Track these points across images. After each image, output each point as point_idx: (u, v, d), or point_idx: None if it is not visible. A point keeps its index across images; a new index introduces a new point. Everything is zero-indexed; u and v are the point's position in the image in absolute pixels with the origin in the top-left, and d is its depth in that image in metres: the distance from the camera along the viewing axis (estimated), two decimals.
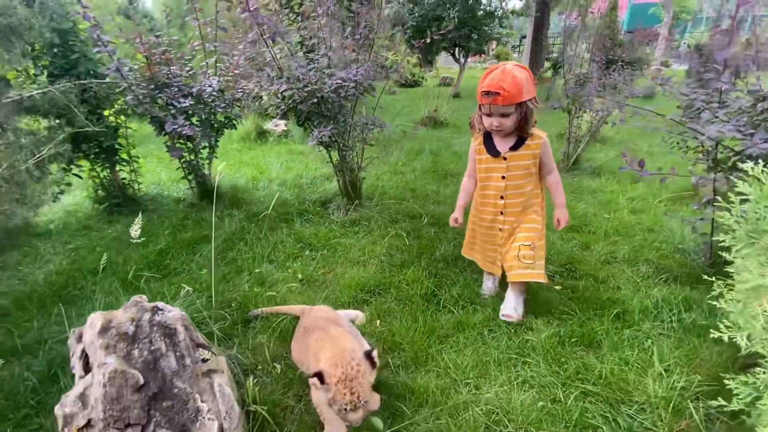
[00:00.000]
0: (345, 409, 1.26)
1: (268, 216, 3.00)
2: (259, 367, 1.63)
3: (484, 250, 2.05)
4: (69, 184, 2.84)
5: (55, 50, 2.66)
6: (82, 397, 1.11)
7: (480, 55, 21.65)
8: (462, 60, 10.16)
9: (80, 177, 2.97)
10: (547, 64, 10.55)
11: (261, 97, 5.82)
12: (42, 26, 2.53)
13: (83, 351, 1.24)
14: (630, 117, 2.09)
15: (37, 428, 1.37)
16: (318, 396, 1.34)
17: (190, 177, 3.27)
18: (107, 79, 2.65)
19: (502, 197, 1.88)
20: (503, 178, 1.85)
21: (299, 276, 2.28)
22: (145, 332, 1.22)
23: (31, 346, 1.74)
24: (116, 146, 3.05)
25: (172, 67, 2.80)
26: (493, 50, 22.81)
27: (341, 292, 2.11)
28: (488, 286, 2.13)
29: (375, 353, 1.31)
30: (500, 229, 1.93)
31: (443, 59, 17.46)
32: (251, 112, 5.71)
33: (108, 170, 3.19)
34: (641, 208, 3.18)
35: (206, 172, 3.33)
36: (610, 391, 1.48)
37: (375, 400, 1.33)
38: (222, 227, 2.85)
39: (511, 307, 1.88)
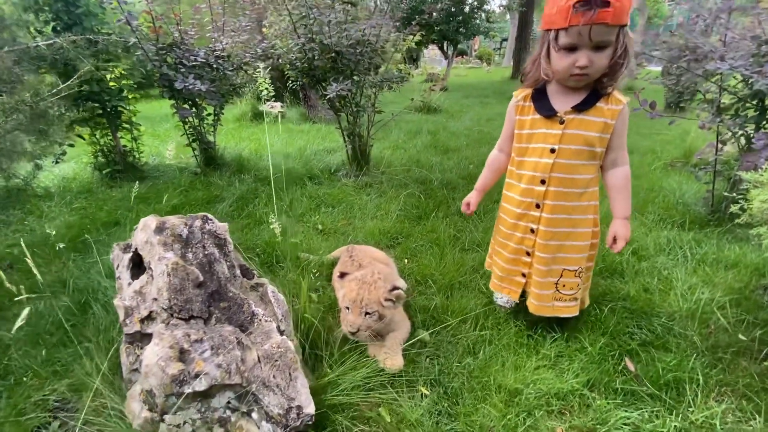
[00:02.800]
0: (346, 308, 1.29)
1: (278, 179, 3.00)
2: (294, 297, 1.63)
3: (501, 257, 1.42)
4: (72, 145, 2.75)
5: (59, 5, 2.58)
6: (140, 294, 1.09)
7: (462, 56, 22.09)
8: (450, 54, 10.34)
9: (83, 138, 2.88)
10: None
11: (255, 80, 5.80)
12: None
13: (131, 259, 1.22)
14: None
15: (74, 347, 1.33)
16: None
17: (194, 144, 3.22)
18: (112, 34, 2.59)
19: (543, 182, 1.25)
20: (552, 152, 1.22)
21: (319, 227, 2.29)
22: (197, 238, 1.21)
23: (52, 285, 1.69)
24: (119, 109, 2.97)
25: (181, 27, 2.77)
26: (475, 50, 23.30)
27: (365, 239, 2.13)
28: (503, 297, 1.53)
29: (400, 291, 1.31)
30: (532, 231, 1.32)
31: (427, 58, 17.74)
32: (246, 94, 5.65)
33: (109, 136, 3.11)
34: (637, 174, 3.31)
35: (211, 139, 3.29)
36: (638, 306, 1.55)
37: (400, 331, 1.35)
38: (232, 189, 2.82)
39: None
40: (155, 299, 1.04)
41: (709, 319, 1.48)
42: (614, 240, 1.26)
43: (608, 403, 1.12)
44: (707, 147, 2.38)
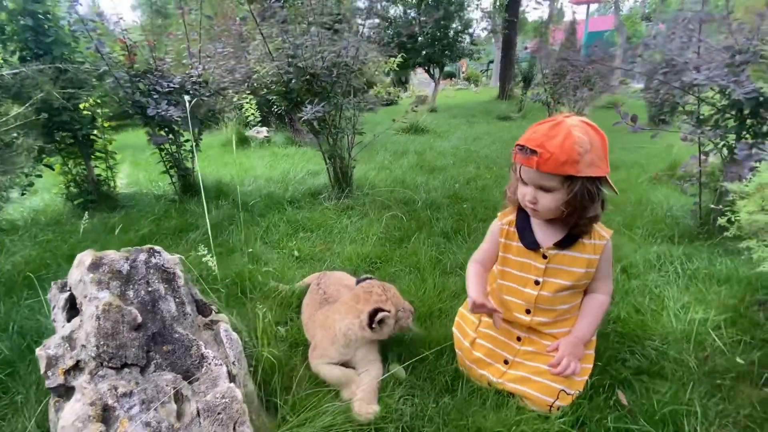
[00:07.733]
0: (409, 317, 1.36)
1: (257, 204, 2.90)
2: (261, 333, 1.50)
3: (483, 335, 1.29)
4: (39, 176, 2.65)
5: (28, 34, 2.54)
6: (69, 340, 0.97)
7: (451, 79, 22.50)
8: (437, 76, 10.51)
9: (52, 168, 2.78)
10: (518, 78, 11.01)
11: (242, 106, 5.80)
12: (15, 8, 2.41)
13: (67, 299, 1.10)
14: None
15: (10, 398, 1.19)
16: (325, 371, 1.27)
17: (171, 171, 3.14)
18: (86, 62, 2.54)
19: (528, 311, 1.21)
20: (537, 284, 1.18)
21: (296, 253, 2.18)
22: (141, 273, 1.10)
23: None
24: (92, 137, 2.89)
25: (155, 54, 2.73)
26: (463, 72, 23.79)
27: (342, 265, 2.02)
28: None
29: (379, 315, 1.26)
30: (518, 339, 1.25)
31: (416, 81, 18.04)
32: (231, 120, 5.63)
33: (82, 165, 3.02)
34: (625, 187, 3.26)
35: (189, 165, 3.21)
36: (630, 329, 1.45)
37: (375, 367, 1.31)
38: (209, 217, 2.71)
39: None
40: (84, 346, 0.93)
41: (704, 341, 1.38)
42: (558, 363, 1.11)
43: None
44: (691, 159, 2.33)
